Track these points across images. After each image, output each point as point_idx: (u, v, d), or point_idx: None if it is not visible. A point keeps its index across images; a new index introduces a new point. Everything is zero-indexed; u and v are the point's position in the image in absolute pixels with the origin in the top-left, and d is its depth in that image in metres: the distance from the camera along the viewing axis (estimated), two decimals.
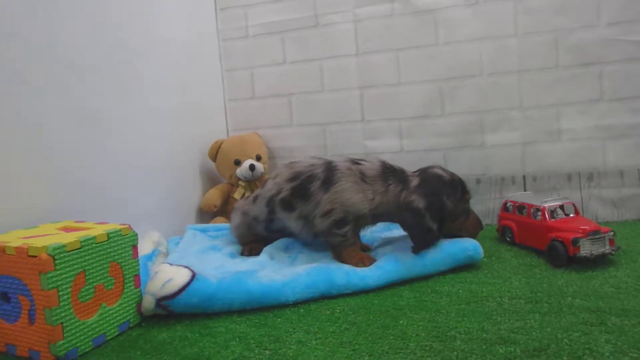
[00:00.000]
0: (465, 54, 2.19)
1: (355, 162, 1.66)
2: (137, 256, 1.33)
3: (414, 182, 1.60)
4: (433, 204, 1.55)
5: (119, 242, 1.27)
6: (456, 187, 1.62)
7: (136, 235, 1.33)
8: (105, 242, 1.23)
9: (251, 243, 1.83)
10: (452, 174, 1.65)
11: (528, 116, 2.13)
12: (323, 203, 1.60)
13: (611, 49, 2.03)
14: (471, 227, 1.68)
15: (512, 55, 2.13)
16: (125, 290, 1.29)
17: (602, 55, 2.04)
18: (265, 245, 1.79)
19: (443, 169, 1.66)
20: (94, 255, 1.20)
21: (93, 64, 1.69)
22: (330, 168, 1.64)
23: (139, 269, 1.34)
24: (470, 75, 2.19)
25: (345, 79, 2.36)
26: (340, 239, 1.60)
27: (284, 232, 1.82)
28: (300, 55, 2.41)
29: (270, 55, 2.46)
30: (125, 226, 1.30)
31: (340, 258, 1.59)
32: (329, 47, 2.37)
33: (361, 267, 1.51)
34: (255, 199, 1.82)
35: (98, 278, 1.21)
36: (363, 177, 1.61)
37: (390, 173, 1.63)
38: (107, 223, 1.35)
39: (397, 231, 1.83)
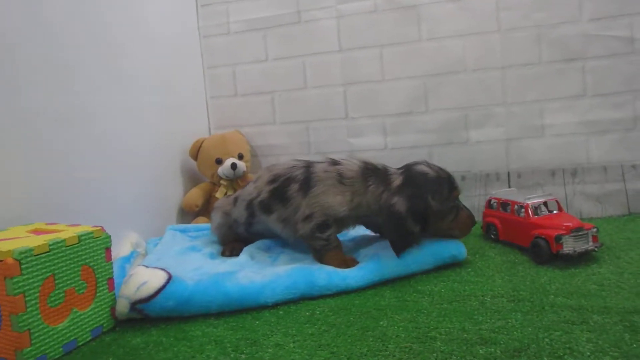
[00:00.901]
0: (449, 50, 2.18)
1: (334, 162, 1.62)
2: (111, 259, 1.30)
3: (396, 181, 1.54)
4: (415, 206, 1.49)
5: (91, 244, 1.24)
6: (442, 185, 1.54)
7: (109, 237, 1.30)
8: (75, 245, 1.19)
9: (232, 243, 1.81)
10: (439, 170, 1.57)
11: (512, 112, 2.13)
12: (303, 207, 1.58)
13: (593, 44, 2.02)
14: (462, 224, 1.60)
15: (495, 51, 2.12)
16: (98, 294, 1.26)
17: (584, 50, 2.04)
18: (246, 245, 1.77)
19: (429, 165, 1.58)
20: (63, 258, 1.16)
21: (72, 61, 1.66)
22: (308, 171, 1.62)
23: (112, 272, 1.31)
24: (454, 72, 2.18)
25: (328, 76, 2.34)
26: (323, 243, 1.56)
27: (264, 235, 1.80)
28: (282, 52, 2.39)
29: (252, 52, 2.44)
30: (98, 228, 1.27)
31: (322, 261, 1.55)
32: (311, 44, 2.35)
33: (344, 268, 1.49)
34: (235, 200, 1.81)
35: (68, 282, 1.18)
36: (341, 178, 1.57)
37: (370, 173, 1.58)
38: (80, 225, 1.32)
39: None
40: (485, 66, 2.14)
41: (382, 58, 2.25)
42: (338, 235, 1.61)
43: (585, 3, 2.01)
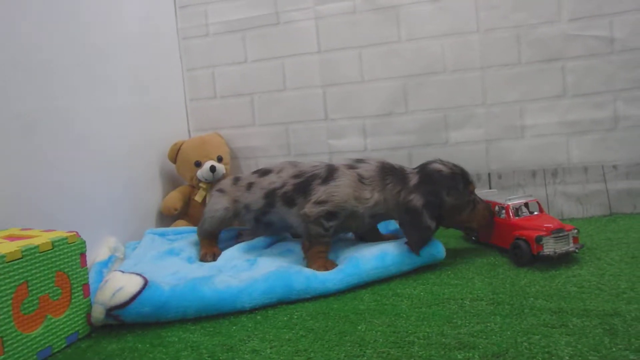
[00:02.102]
0: (429, 51, 2.16)
1: (351, 166, 1.67)
2: (86, 264, 1.29)
3: (413, 180, 1.60)
4: (431, 202, 1.55)
5: (65, 250, 1.22)
6: (457, 180, 1.60)
7: (84, 242, 1.28)
8: (49, 251, 1.18)
9: (214, 249, 1.78)
10: (453, 167, 1.63)
11: (492, 113, 2.12)
12: (319, 193, 1.61)
13: (573, 44, 2.02)
14: (480, 217, 1.65)
15: (474, 51, 2.11)
16: (73, 301, 1.25)
17: (564, 50, 2.03)
18: (224, 249, 1.76)
19: (443, 163, 1.64)
20: (37, 265, 1.15)
21: (47, 62, 1.63)
22: (331, 169, 1.66)
23: (87, 278, 1.29)
24: (433, 72, 2.16)
25: (307, 77, 2.32)
26: (321, 232, 1.58)
27: (273, 225, 1.80)
28: (261, 53, 2.37)
29: (231, 53, 2.41)
30: (72, 233, 1.25)
31: (308, 252, 1.59)
32: (290, 45, 2.33)
33: (323, 271, 1.48)
34: (249, 186, 1.80)
35: (42, 289, 1.16)
36: (361, 178, 1.62)
37: (388, 172, 1.63)
38: (55, 230, 1.30)
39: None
40: (464, 67, 2.13)
41: (361, 59, 2.24)
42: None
43: (565, 3, 2.00)
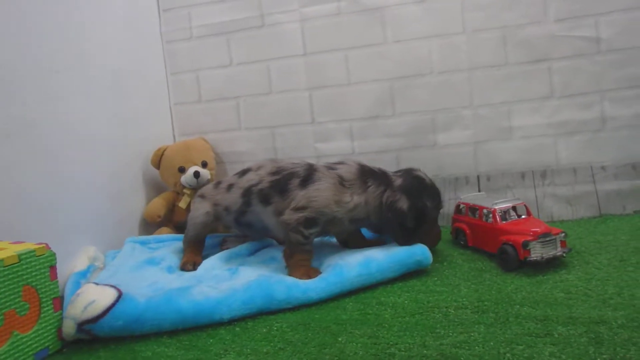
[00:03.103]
0: (415, 52, 2.14)
1: (331, 167, 1.66)
2: (56, 277, 1.25)
3: (398, 182, 1.61)
4: (416, 204, 1.58)
5: (33, 263, 1.19)
6: (435, 194, 1.65)
7: (54, 254, 1.25)
8: (15, 265, 1.14)
9: (195, 258, 1.75)
10: (432, 181, 1.67)
11: (479, 114, 2.10)
12: (298, 197, 1.58)
13: (560, 44, 2.00)
14: (433, 237, 1.69)
15: (461, 52, 2.09)
16: (43, 315, 1.21)
17: (551, 51, 2.01)
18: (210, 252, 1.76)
19: (424, 173, 1.67)
20: (2, 279, 1.11)
21: (18, 67, 1.60)
22: (312, 168, 1.65)
23: (58, 292, 1.26)
24: (420, 74, 2.14)
25: (293, 80, 2.30)
26: (301, 239, 1.55)
27: (253, 226, 1.77)
28: (246, 56, 2.35)
29: (216, 57, 2.39)
30: (41, 245, 1.22)
31: (289, 261, 1.55)
32: (276, 48, 2.31)
33: (305, 279, 1.45)
34: (229, 187, 1.78)
35: (8, 304, 1.13)
36: (342, 180, 1.60)
37: (368, 175, 1.63)
38: (24, 242, 1.26)
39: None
40: (451, 68, 2.11)
41: (347, 61, 2.22)
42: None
43: (551, 3, 1.98)
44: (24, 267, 1.16)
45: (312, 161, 1.71)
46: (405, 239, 1.59)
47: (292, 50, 2.29)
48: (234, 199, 1.75)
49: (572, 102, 2.01)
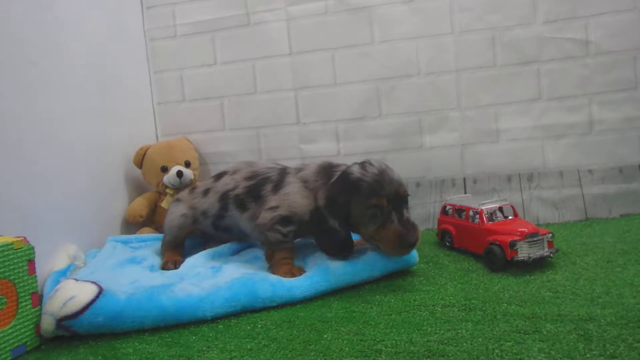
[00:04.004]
0: (402, 53, 2.13)
1: (299, 169, 1.63)
2: (34, 272, 1.22)
3: (333, 179, 1.52)
4: (331, 201, 1.48)
5: (10, 256, 1.16)
6: (359, 188, 1.43)
7: (32, 248, 1.21)
8: None
9: (175, 257, 1.72)
10: (373, 173, 1.44)
11: (466, 116, 2.09)
12: (270, 201, 1.57)
13: (548, 47, 2.00)
14: (386, 240, 1.42)
15: (449, 53, 2.08)
16: (20, 311, 1.17)
17: (539, 53, 2.01)
18: (191, 253, 1.72)
19: (367, 166, 1.46)
20: None
21: None
22: (282, 173, 1.63)
23: (36, 286, 1.22)
24: (407, 75, 2.13)
25: (279, 80, 2.29)
26: (279, 238, 1.53)
27: (231, 231, 1.75)
28: (231, 55, 2.33)
29: (200, 55, 2.37)
30: (19, 239, 1.19)
31: (271, 261, 1.52)
32: (261, 47, 2.30)
33: (289, 277, 1.42)
34: (205, 192, 1.78)
35: None
36: (306, 183, 1.57)
37: (323, 172, 1.57)
38: (1, 236, 1.23)
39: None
40: (439, 69, 2.10)
41: (333, 61, 2.20)
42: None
43: (540, 5, 1.98)
44: (1, 260, 1.13)
45: (297, 163, 1.67)
46: (327, 246, 1.51)
47: (277, 50, 2.28)
48: (210, 203, 1.74)
49: (560, 105, 2.00)
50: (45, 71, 1.76)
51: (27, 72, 1.67)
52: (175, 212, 1.79)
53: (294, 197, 1.54)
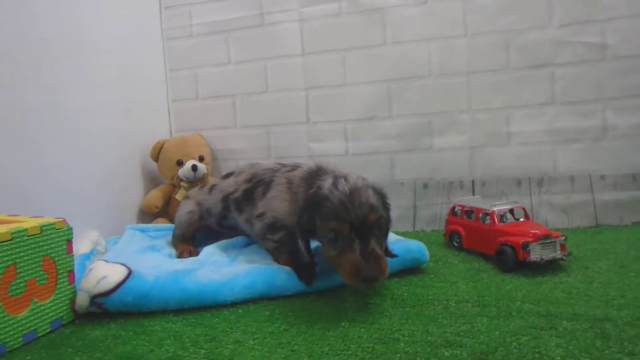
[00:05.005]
0: (414, 55, 2.13)
1: (292, 168, 1.56)
2: (72, 251, 1.28)
3: (312, 189, 1.35)
4: (302, 218, 1.32)
5: (52, 235, 1.22)
6: (323, 207, 1.26)
7: (71, 229, 1.28)
8: (37, 235, 1.17)
9: (188, 247, 1.75)
10: (339, 192, 1.25)
11: (477, 119, 2.08)
12: (258, 205, 1.56)
13: (563, 50, 1.99)
14: (344, 270, 1.22)
15: (461, 56, 2.08)
16: (59, 286, 1.24)
17: (553, 57, 2.00)
18: (203, 245, 1.73)
19: (339, 182, 1.28)
20: (25, 248, 1.14)
21: (32, 54, 1.65)
22: (273, 175, 1.58)
23: (73, 264, 1.29)
24: (418, 76, 2.13)
25: (290, 80, 2.29)
26: (273, 245, 1.51)
27: (235, 229, 1.76)
28: (244, 55, 2.34)
29: (214, 55, 2.39)
30: (60, 220, 1.25)
31: (279, 263, 1.49)
32: (274, 47, 2.31)
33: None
34: (211, 189, 1.81)
35: (30, 272, 1.16)
36: (290, 185, 1.49)
37: (311, 178, 1.43)
38: (42, 217, 1.29)
39: None
40: (450, 71, 2.09)
41: (345, 62, 2.21)
42: None
43: (555, 8, 1.97)
44: (44, 238, 1.19)
45: (305, 162, 1.65)
46: (295, 264, 1.39)
47: (290, 50, 2.28)
48: (214, 201, 1.76)
49: (573, 110, 1.99)
50: (69, 68, 1.83)
51: (51, 69, 1.74)
52: (183, 208, 1.83)
53: (274, 202, 1.50)
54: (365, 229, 1.22)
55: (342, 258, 1.22)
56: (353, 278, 1.19)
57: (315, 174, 1.43)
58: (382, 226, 1.29)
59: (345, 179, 1.28)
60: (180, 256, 1.69)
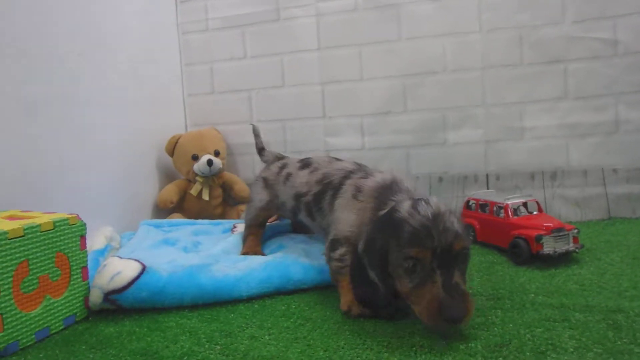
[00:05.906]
0: (429, 50, 2.15)
1: (365, 174, 1.39)
2: (85, 247, 1.28)
3: (383, 210, 1.21)
4: (369, 242, 1.17)
5: (66, 231, 1.22)
6: (400, 231, 1.09)
7: (84, 225, 1.27)
8: (50, 231, 1.17)
9: (256, 249, 1.71)
10: (421, 216, 1.08)
11: (491, 114, 2.10)
12: (329, 222, 1.40)
13: (576, 46, 2.00)
14: (422, 306, 1.05)
15: (475, 51, 2.09)
16: (72, 283, 1.23)
17: (567, 52, 2.01)
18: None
19: (420, 204, 1.11)
20: (38, 244, 1.14)
21: (45, 48, 1.64)
22: (343, 179, 1.42)
23: (87, 261, 1.29)
24: (433, 72, 2.14)
25: (306, 74, 2.31)
26: (336, 264, 1.30)
27: (308, 229, 1.78)
28: (260, 49, 2.36)
29: (230, 49, 2.40)
30: (73, 215, 1.25)
31: (337, 286, 1.30)
32: (290, 42, 2.32)
33: (345, 310, 1.22)
34: (287, 178, 1.67)
35: (42, 268, 1.15)
36: (357, 193, 1.33)
37: (379, 193, 1.29)
38: (56, 213, 1.28)
39: None
40: (464, 67, 2.11)
41: (360, 57, 2.22)
42: None
43: (569, 4, 1.98)
44: (57, 234, 1.19)
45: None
46: (368, 300, 1.18)
47: (306, 45, 2.30)
48: (288, 196, 1.64)
49: (586, 104, 2.01)
50: (84, 63, 1.82)
51: (66, 64, 1.75)
52: (256, 195, 1.78)
53: (339, 214, 1.34)
54: (449, 258, 1.05)
55: (420, 291, 1.06)
56: (434, 317, 1.02)
57: (389, 188, 1.28)
58: (466, 259, 1.12)
59: (427, 201, 1.12)
60: (245, 254, 1.65)
